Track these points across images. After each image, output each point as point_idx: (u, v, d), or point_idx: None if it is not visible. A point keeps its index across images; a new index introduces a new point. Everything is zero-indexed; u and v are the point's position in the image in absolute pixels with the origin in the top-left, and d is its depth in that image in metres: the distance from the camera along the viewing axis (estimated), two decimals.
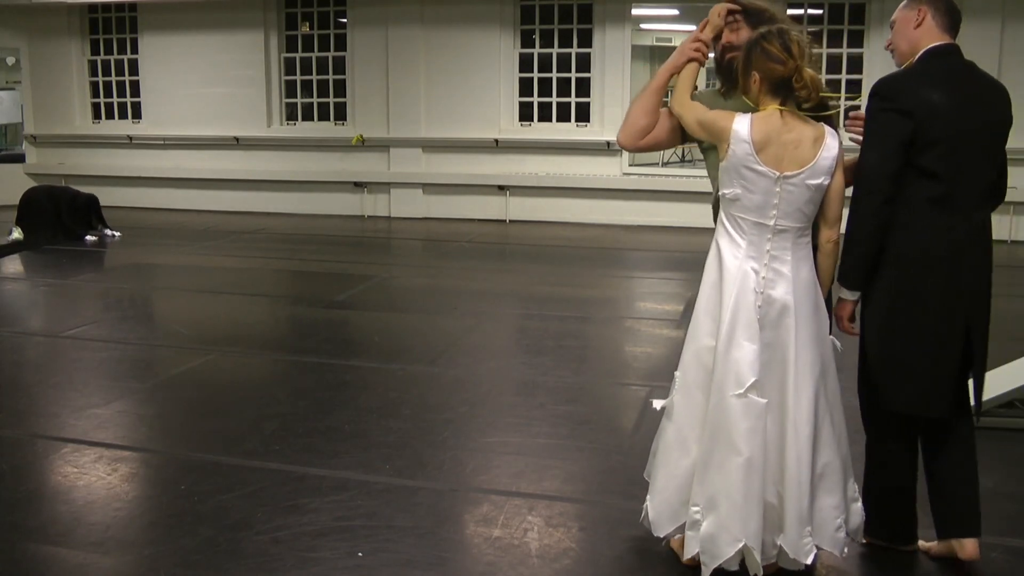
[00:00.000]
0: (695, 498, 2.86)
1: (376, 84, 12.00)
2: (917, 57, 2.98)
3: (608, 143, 11.34)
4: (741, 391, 2.75)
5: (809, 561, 2.83)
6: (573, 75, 11.66)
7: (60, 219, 10.15)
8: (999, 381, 4.48)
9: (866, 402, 3.13)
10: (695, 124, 2.90)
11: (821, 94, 2.86)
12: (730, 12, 3.03)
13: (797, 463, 2.79)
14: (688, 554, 2.92)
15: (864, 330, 3.02)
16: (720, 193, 2.88)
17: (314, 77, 12.49)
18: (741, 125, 2.79)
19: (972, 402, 3.07)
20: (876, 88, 2.96)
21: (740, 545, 2.77)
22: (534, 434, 4.38)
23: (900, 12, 3.05)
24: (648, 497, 3.03)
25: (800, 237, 2.84)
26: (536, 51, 11.70)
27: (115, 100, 13.35)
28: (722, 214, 2.90)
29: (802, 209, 2.81)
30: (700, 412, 2.87)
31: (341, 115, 12.46)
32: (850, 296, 3.02)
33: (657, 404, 3.04)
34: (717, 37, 3.06)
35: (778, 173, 2.77)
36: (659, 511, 2.97)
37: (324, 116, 12.59)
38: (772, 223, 2.80)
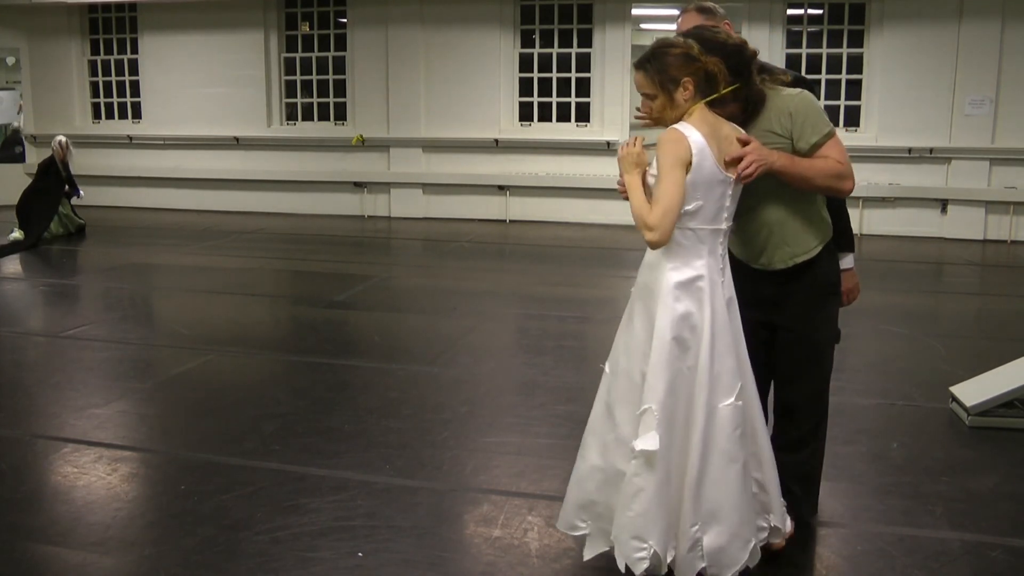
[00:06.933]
0: (689, 518, 2.71)
1: (376, 84, 12.01)
2: None
3: (608, 143, 11.34)
4: (732, 399, 2.72)
5: (789, 527, 3.01)
6: (573, 75, 11.67)
7: (49, 195, 10.27)
8: (999, 381, 4.46)
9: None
10: (681, 176, 2.64)
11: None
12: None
13: (767, 444, 2.90)
14: None
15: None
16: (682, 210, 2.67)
17: (314, 77, 12.50)
18: (692, 134, 2.65)
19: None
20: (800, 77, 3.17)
21: (752, 545, 2.78)
22: (534, 434, 4.38)
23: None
24: (670, 547, 2.72)
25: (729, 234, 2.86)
26: (536, 51, 11.71)
27: (115, 100, 13.37)
28: (676, 234, 2.69)
29: (737, 206, 2.81)
30: (680, 443, 2.71)
31: (341, 115, 12.47)
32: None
33: (644, 445, 2.66)
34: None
35: (729, 175, 2.70)
36: (666, 549, 2.73)
37: (324, 116, 12.59)
38: (724, 226, 2.77)
